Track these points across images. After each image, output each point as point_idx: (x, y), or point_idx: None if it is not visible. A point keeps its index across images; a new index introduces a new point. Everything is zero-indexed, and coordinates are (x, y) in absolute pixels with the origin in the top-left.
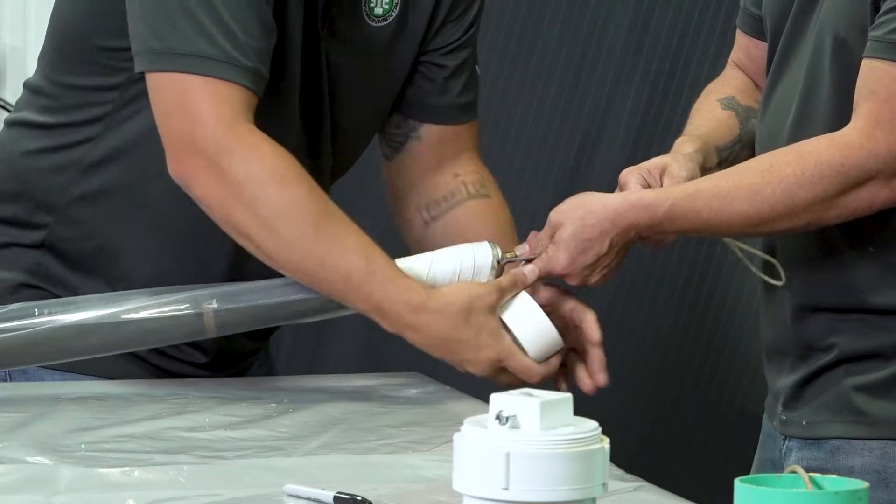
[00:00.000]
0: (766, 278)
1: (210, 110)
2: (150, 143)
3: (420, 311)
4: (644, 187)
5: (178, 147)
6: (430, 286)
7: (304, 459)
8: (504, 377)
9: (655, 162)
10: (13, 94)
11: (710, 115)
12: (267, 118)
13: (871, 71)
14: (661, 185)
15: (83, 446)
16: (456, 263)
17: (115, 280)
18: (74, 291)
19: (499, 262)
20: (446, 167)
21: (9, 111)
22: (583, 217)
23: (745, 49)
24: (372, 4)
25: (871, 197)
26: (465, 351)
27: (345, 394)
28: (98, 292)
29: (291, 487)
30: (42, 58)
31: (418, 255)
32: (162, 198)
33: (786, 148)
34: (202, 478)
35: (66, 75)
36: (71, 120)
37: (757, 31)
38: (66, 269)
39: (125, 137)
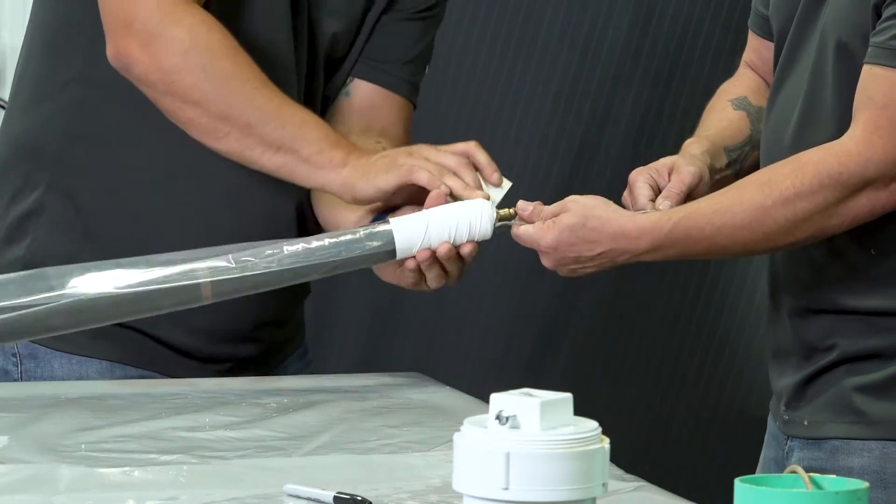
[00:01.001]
0: None
1: None
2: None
3: (369, 155)
4: (652, 186)
5: (120, 28)
6: (426, 248)
7: (304, 459)
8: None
9: (664, 161)
10: None
11: (720, 115)
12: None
13: (870, 77)
14: (669, 182)
15: (83, 446)
16: (452, 222)
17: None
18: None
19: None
20: (371, 135)
21: None
22: (587, 217)
23: (756, 50)
24: None
25: (870, 203)
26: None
27: (345, 394)
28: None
29: (291, 487)
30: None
31: (414, 213)
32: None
33: (784, 160)
34: (202, 478)
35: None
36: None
37: (766, 32)
38: (69, 219)
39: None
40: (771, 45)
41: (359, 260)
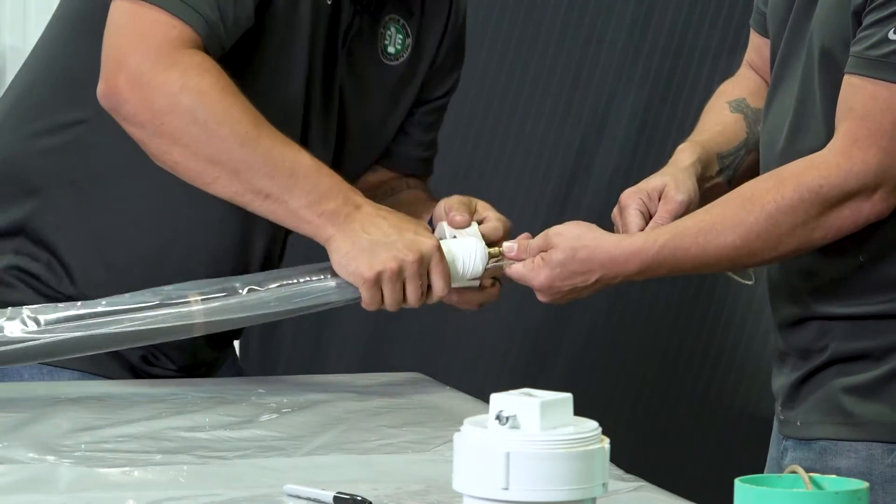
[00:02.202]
0: (736, 277)
1: (156, 31)
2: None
3: (361, 207)
4: (643, 212)
5: (114, 63)
6: None
7: (304, 459)
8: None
9: (654, 184)
10: None
11: (717, 118)
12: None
13: (849, 88)
14: (658, 209)
15: (83, 446)
16: (447, 257)
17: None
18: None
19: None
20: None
21: None
22: (576, 249)
23: (758, 48)
24: (386, 42)
25: (853, 214)
26: (392, 249)
27: (345, 394)
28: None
29: (291, 487)
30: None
31: None
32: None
33: (766, 175)
34: (202, 478)
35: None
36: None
37: (767, 31)
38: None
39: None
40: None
41: (350, 299)
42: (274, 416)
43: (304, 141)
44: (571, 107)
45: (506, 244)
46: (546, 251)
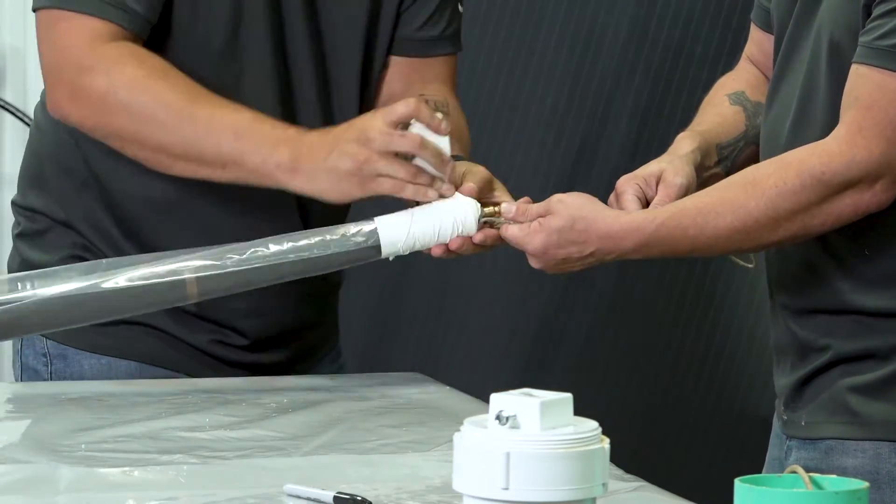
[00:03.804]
0: (738, 260)
1: (72, 38)
2: None
3: (306, 139)
4: (640, 198)
5: (50, 80)
6: (411, 246)
7: (304, 459)
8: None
9: (652, 169)
10: (13, 94)
11: (716, 110)
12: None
13: (856, 77)
14: (657, 193)
15: (83, 446)
16: (436, 220)
17: (165, 226)
18: (124, 243)
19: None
20: (413, 91)
21: (9, 111)
22: (575, 219)
23: (759, 43)
24: None
25: (854, 203)
26: (347, 150)
27: (345, 393)
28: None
29: (291, 487)
30: None
31: (398, 212)
32: None
33: (768, 160)
34: (202, 478)
35: None
36: None
37: (769, 25)
38: (114, 218)
39: None
40: (773, 39)
41: (344, 257)
42: (274, 416)
43: (281, 41)
44: (571, 107)
45: (504, 205)
46: (545, 216)
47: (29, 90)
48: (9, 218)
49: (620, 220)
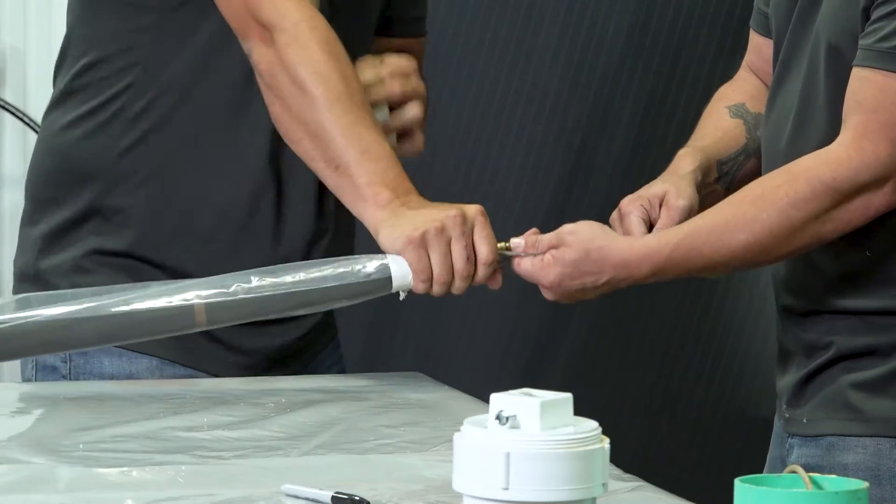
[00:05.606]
0: None
1: None
2: (196, 77)
3: (411, 197)
4: (644, 220)
5: (241, 20)
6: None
7: (303, 459)
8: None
9: (655, 191)
10: (13, 94)
11: (717, 124)
12: None
13: (858, 81)
14: (660, 216)
15: (81, 446)
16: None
17: (175, 230)
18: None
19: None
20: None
21: (9, 111)
22: (589, 250)
23: (758, 49)
24: None
25: (864, 206)
26: (435, 214)
27: (344, 394)
28: (159, 244)
29: (289, 487)
30: (70, 12)
31: None
32: (215, 129)
33: (776, 171)
34: (200, 478)
35: (95, 25)
36: (106, 74)
37: (768, 31)
38: (124, 230)
39: (170, 76)
40: (772, 44)
41: (355, 290)
42: (272, 416)
43: None
44: (571, 107)
45: (513, 240)
46: (557, 248)
47: (29, 90)
48: (9, 218)
49: (634, 247)
